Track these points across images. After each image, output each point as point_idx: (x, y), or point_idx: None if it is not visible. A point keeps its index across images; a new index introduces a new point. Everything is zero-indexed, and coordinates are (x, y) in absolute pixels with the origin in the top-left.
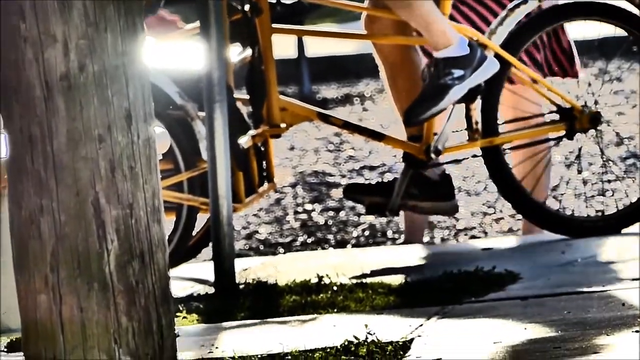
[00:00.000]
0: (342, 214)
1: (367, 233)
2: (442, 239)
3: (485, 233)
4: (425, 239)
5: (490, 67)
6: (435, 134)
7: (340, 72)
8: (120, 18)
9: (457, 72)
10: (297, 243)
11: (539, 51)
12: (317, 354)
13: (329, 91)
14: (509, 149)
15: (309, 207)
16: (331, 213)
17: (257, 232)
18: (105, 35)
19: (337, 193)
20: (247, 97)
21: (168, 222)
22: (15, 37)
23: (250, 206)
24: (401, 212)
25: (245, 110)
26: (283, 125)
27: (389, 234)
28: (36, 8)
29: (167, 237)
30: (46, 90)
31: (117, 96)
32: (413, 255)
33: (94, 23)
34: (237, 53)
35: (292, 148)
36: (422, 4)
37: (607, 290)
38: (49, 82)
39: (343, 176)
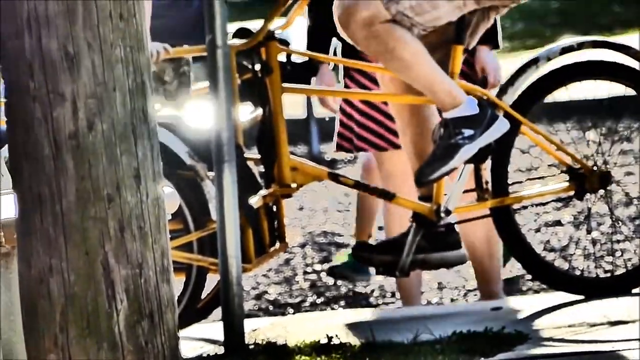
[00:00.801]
0: None
1: (376, 294)
2: (452, 299)
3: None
4: (435, 299)
5: (501, 127)
6: (445, 194)
7: None
8: (129, 76)
9: (468, 132)
10: (307, 303)
11: None
12: None
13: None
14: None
15: (318, 267)
16: None
17: (266, 292)
18: (114, 94)
19: (346, 253)
20: (258, 156)
21: (178, 282)
22: (24, 96)
23: (260, 266)
24: None
25: (256, 169)
26: (294, 185)
27: (398, 294)
28: (45, 67)
29: (176, 298)
30: (55, 149)
31: (126, 155)
32: (422, 315)
33: (102, 82)
34: (248, 112)
35: (301, 208)
36: (423, 66)
37: (615, 351)
38: (57, 141)
39: (352, 236)
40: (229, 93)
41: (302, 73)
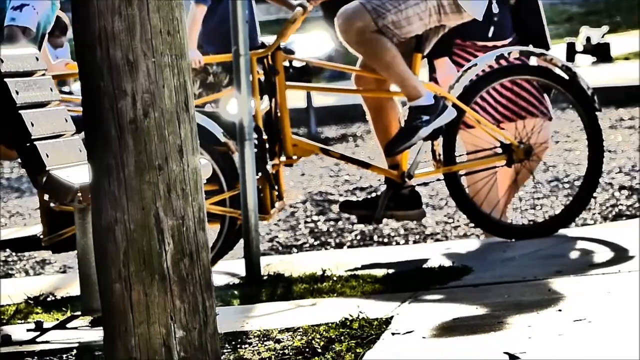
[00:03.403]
0: (340, 223)
1: (358, 237)
2: (414, 242)
3: (446, 237)
4: (402, 242)
5: (450, 114)
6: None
7: (338, 117)
8: (174, 77)
9: (425, 117)
10: (307, 245)
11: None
12: (322, 328)
13: (330, 132)
14: (464, 174)
15: (315, 218)
16: (332, 222)
17: (277, 236)
18: (163, 90)
19: (336, 208)
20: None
21: (215, 228)
22: (97, 92)
23: (272, 217)
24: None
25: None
26: (295, 157)
27: (375, 237)
28: (112, 71)
29: (212, 240)
30: (119, 131)
31: (172, 135)
32: (393, 254)
33: (154, 81)
34: (262, 103)
35: (302, 174)
36: (397, 67)
37: (537, 279)
38: (121, 125)
39: (340, 195)
40: (249, 89)
41: (301, 74)
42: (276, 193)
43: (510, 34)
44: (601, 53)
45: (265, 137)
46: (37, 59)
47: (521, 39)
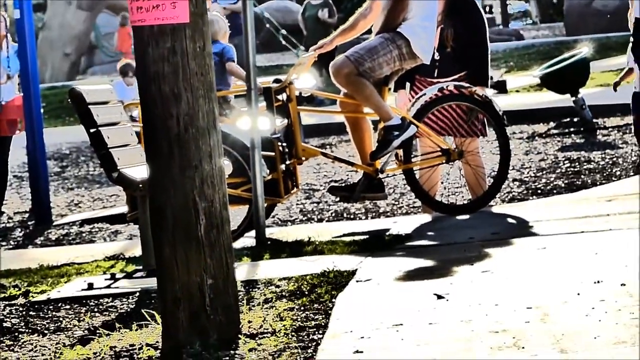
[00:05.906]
0: (320, 205)
1: (333, 214)
2: (372, 217)
3: (394, 214)
4: (363, 217)
5: (412, 129)
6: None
7: (318, 132)
8: (206, 104)
9: (396, 133)
10: (297, 220)
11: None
12: (308, 277)
13: (313, 142)
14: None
15: (304, 201)
16: (315, 204)
17: (277, 214)
18: (198, 113)
19: (318, 194)
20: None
21: (245, 208)
22: (153, 116)
23: (287, 200)
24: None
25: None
26: (303, 158)
27: (344, 214)
28: (163, 100)
29: (243, 215)
30: (169, 142)
31: (204, 145)
32: (357, 226)
33: (192, 107)
34: (280, 121)
35: None
36: (374, 98)
37: (457, 243)
38: (170, 138)
39: (321, 186)
40: (257, 113)
41: (307, 101)
42: (293, 183)
43: (454, 73)
44: (500, 87)
45: (284, 144)
46: (112, 92)
47: (470, 74)
